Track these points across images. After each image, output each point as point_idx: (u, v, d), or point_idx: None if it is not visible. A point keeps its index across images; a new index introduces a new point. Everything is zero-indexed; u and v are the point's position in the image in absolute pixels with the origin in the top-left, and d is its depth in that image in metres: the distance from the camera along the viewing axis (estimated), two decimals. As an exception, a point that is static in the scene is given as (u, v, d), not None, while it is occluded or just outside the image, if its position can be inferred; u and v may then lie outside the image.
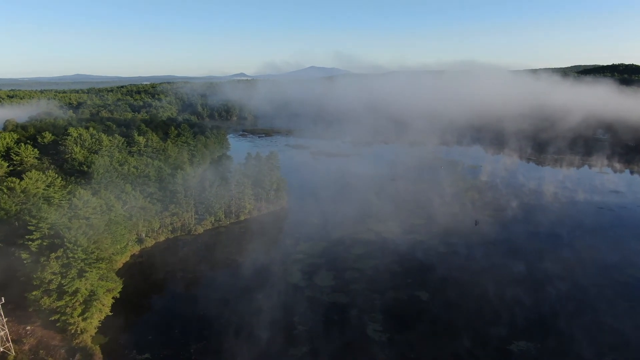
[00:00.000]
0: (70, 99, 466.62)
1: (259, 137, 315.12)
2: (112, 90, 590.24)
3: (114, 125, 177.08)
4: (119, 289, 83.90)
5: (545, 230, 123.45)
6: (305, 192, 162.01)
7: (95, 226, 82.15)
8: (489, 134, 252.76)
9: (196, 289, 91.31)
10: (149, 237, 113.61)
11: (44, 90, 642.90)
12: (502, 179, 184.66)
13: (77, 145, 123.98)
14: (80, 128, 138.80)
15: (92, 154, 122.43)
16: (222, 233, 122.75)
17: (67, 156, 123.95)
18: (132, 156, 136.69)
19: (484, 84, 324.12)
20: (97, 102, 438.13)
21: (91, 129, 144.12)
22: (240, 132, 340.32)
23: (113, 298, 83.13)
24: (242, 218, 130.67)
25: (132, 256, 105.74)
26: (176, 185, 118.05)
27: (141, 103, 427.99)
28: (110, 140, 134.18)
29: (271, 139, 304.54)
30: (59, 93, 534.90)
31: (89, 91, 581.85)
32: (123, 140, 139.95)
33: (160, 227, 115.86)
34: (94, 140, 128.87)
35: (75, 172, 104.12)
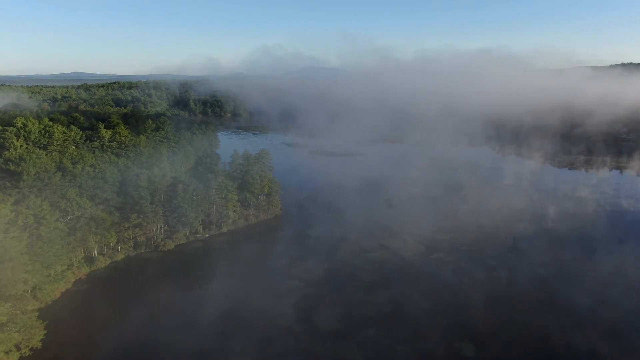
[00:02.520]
0: (56, 93, 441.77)
1: (253, 134, 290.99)
2: (103, 86, 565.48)
3: (82, 118, 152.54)
4: (39, 338, 59.62)
5: (600, 248, 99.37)
6: (303, 197, 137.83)
7: (3, 249, 57.75)
8: (507, 133, 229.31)
9: (154, 332, 66.81)
10: (104, 255, 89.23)
11: (33, 85, 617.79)
12: (529, 182, 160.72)
13: (19, 138, 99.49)
14: (31, 118, 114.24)
15: (38, 149, 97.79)
16: (199, 249, 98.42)
17: (7, 152, 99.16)
18: (93, 153, 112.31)
19: (504, 77, 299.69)
20: (83, 96, 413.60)
21: (45, 119, 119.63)
22: (234, 129, 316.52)
23: (31, 350, 58.92)
24: (224, 229, 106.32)
25: (76, 282, 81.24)
26: (140, 189, 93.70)
27: (130, 98, 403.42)
28: (64, 133, 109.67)
29: (266, 136, 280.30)
30: (45, 87, 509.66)
31: (79, 87, 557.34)
32: (81, 133, 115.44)
33: (118, 243, 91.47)
34: (42, 132, 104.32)
35: (1, 173, 79.66)
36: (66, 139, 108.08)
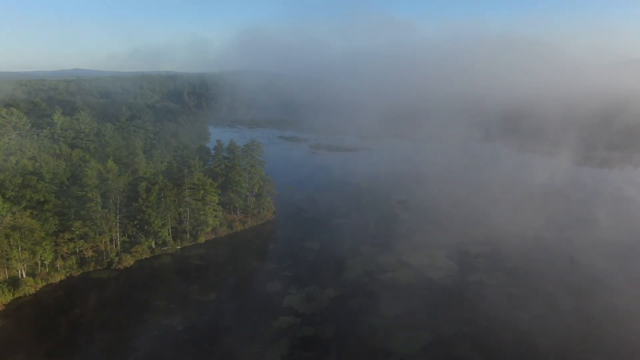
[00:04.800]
0: (43, 85, 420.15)
1: (249, 128, 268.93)
2: (96, 80, 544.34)
3: (44, 104, 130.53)
4: None
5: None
6: (302, 198, 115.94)
7: None
8: (531, 127, 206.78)
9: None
10: (35, 276, 67.25)
11: (24, 79, 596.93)
12: (564, 182, 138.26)
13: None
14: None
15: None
16: (166, 267, 76.40)
17: None
18: (42, 142, 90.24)
19: (524, 65, 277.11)
20: (72, 88, 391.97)
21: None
22: (229, 123, 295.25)
23: None
24: (201, 240, 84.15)
25: (-14, 316, 59.29)
26: (87, 189, 71.61)
27: (120, 90, 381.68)
28: (3, 118, 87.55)
29: (264, 130, 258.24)
30: (34, 80, 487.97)
31: (71, 81, 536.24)
32: (25, 118, 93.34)
33: (56, 259, 69.49)
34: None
35: None
36: (4, 125, 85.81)
